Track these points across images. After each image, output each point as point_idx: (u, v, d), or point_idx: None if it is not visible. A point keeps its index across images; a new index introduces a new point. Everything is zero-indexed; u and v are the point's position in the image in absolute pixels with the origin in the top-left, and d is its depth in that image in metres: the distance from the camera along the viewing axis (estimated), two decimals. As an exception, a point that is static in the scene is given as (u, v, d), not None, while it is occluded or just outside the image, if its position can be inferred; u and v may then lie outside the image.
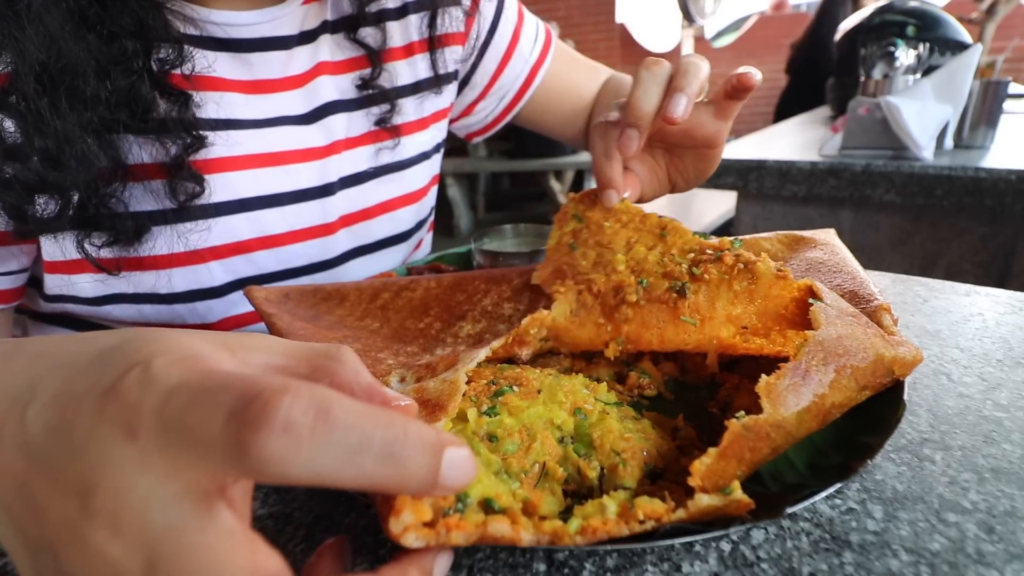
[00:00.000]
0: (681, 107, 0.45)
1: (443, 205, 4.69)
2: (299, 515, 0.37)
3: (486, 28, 0.78)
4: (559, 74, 0.86)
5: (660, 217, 0.48)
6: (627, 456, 0.33)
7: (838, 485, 0.30)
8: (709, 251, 0.42)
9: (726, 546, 0.32)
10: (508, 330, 0.51)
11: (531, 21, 0.84)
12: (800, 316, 0.38)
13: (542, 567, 0.32)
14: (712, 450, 0.29)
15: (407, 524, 0.24)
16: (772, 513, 0.28)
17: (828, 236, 0.52)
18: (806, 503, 0.29)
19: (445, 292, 0.54)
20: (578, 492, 0.33)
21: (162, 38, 0.51)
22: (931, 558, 0.31)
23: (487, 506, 0.28)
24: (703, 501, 0.27)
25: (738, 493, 0.27)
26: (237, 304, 0.64)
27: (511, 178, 5.45)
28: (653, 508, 0.27)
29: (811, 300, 0.38)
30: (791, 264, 0.50)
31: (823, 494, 0.30)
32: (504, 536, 0.25)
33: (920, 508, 0.34)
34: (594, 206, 0.52)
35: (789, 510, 0.29)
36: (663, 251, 0.46)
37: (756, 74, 0.47)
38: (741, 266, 0.40)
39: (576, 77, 0.88)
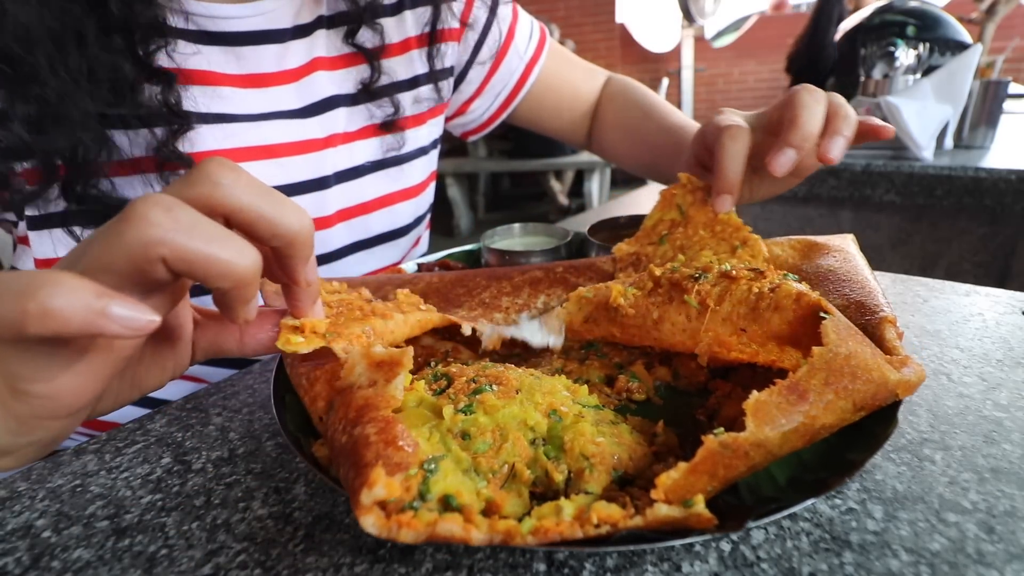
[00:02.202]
0: (840, 151, 0.46)
1: (443, 205, 4.70)
2: (299, 515, 0.37)
3: (481, 25, 0.78)
4: (555, 72, 0.86)
5: (748, 233, 0.48)
6: (595, 461, 0.32)
7: (809, 502, 0.29)
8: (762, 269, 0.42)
9: (726, 546, 0.32)
10: (504, 320, 0.51)
11: (525, 19, 0.84)
12: (802, 332, 0.37)
13: (542, 567, 0.32)
14: (682, 464, 0.28)
15: (377, 497, 0.25)
16: (734, 526, 0.27)
17: (844, 242, 0.51)
18: (769, 519, 0.28)
19: (446, 286, 0.55)
20: (544, 495, 0.33)
21: (146, 15, 0.51)
22: (931, 558, 0.31)
23: (446, 502, 0.28)
24: (661, 511, 0.26)
25: (699, 507, 0.27)
26: None
27: (511, 178, 5.46)
28: (609, 513, 0.27)
29: (822, 314, 0.36)
30: (802, 271, 0.50)
31: (787, 512, 0.29)
32: (454, 535, 0.25)
33: (920, 508, 0.34)
34: (700, 205, 0.52)
35: (751, 525, 0.28)
36: (722, 260, 0.46)
37: (892, 131, 0.48)
38: (776, 280, 0.39)
39: (573, 77, 0.88)
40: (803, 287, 0.39)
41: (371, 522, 0.25)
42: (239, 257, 0.27)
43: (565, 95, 0.88)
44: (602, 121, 0.88)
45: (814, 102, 0.46)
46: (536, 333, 0.47)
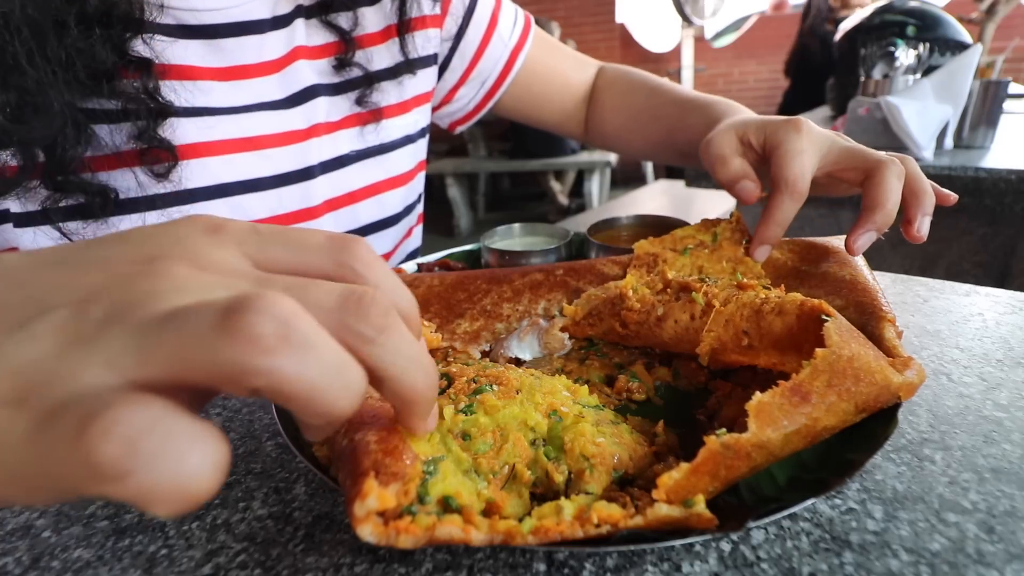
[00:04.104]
0: (926, 231, 0.48)
1: (443, 205, 4.70)
2: (299, 515, 0.37)
3: (463, 10, 0.78)
4: (542, 60, 0.85)
5: (766, 282, 0.48)
6: (596, 462, 0.32)
7: (809, 502, 0.29)
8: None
9: (726, 546, 0.32)
10: (506, 329, 0.51)
11: (509, 6, 0.84)
12: (803, 337, 0.37)
13: (542, 567, 0.32)
14: (684, 465, 0.28)
15: (371, 509, 0.25)
16: (734, 526, 0.27)
17: (843, 244, 0.50)
18: (769, 519, 0.29)
19: (447, 290, 0.55)
20: (545, 496, 0.32)
21: (124, 3, 0.50)
22: (931, 558, 0.31)
23: (446, 504, 0.28)
24: (661, 511, 0.27)
25: (700, 507, 0.27)
26: None
27: (511, 178, 5.46)
28: (609, 513, 0.27)
29: (824, 316, 0.36)
30: (800, 272, 0.50)
31: (787, 512, 0.29)
32: (454, 537, 0.25)
33: (920, 508, 0.34)
34: (735, 242, 0.53)
35: (751, 525, 0.28)
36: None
37: (955, 198, 0.51)
38: (777, 297, 0.39)
39: (561, 65, 0.87)
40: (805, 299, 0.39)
41: (368, 531, 0.24)
42: (343, 399, 0.20)
43: (554, 84, 0.87)
44: (602, 108, 0.87)
45: (898, 183, 0.47)
46: (537, 353, 0.49)
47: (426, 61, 0.75)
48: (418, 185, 0.81)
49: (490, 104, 0.86)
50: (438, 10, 0.75)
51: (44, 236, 0.54)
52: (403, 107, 0.74)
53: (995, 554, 0.31)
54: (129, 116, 0.53)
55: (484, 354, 0.49)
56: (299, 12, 0.65)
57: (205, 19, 0.59)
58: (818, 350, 0.32)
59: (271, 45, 0.63)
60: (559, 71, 0.87)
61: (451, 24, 0.77)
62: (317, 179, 0.67)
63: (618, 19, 5.28)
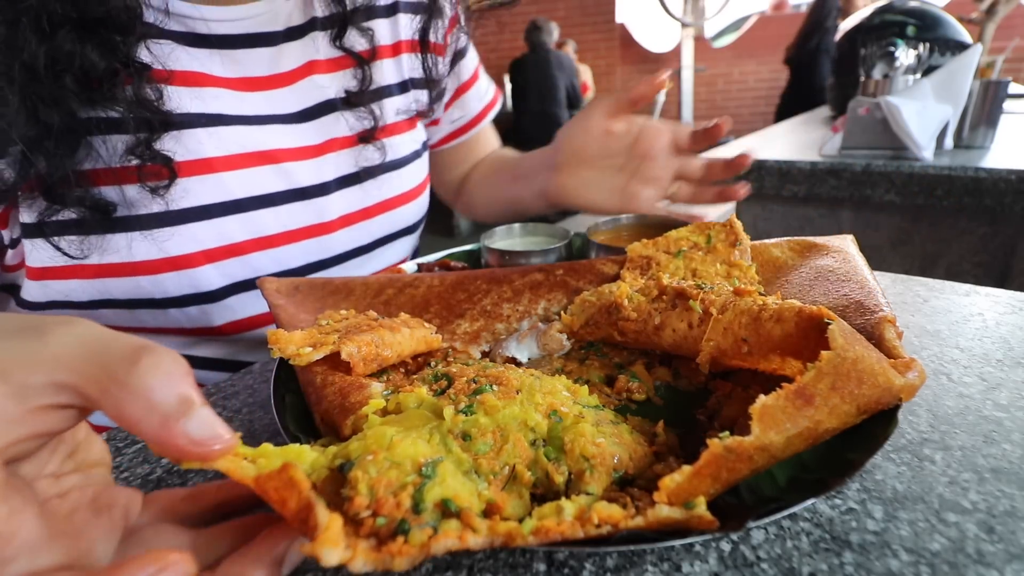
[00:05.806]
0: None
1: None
2: (299, 515, 0.37)
3: (458, 47, 0.81)
4: (487, 132, 0.93)
5: (763, 294, 0.48)
6: (596, 462, 0.32)
7: (809, 502, 0.29)
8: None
9: (726, 546, 0.32)
10: (506, 329, 0.51)
11: (484, 73, 0.90)
12: (803, 344, 0.37)
13: (542, 567, 0.32)
14: (686, 468, 0.28)
15: (338, 555, 0.24)
16: (734, 526, 0.28)
17: (843, 243, 0.51)
18: (769, 519, 0.29)
19: (447, 290, 0.55)
20: (545, 497, 0.32)
21: (115, 5, 0.49)
22: (931, 558, 0.31)
23: (444, 507, 0.27)
24: (662, 512, 0.27)
25: (701, 509, 0.27)
26: (235, 310, 0.63)
27: (511, 178, 5.45)
28: (610, 513, 0.27)
29: (827, 320, 0.36)
30: (800, 271, 0.50)
31: (787, 512, 0.29)
32: (450, 548, 0.25)
33: (920, 508, 0.34)
34: (729, 245, 0.54)
35: (751, 525, 0.28)
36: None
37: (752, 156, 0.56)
38: (775, 304, 0.39)
39: (491, 143, 0.95)
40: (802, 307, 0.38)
41: (360, 564, 0.24)
42: None
43: (479, 155, 0.93)
44: (468, 181, 0.94)
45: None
46: (535, 355, 0.49)
47: (433, 83, 0.77)
48: (426, 197, 0.82)
49: (455, 141, 0.90)
50: (442, 39, 0.77)
51: (41, 250, 0.53)
52: (411, 122, 0.75)
53: (995, 554, 0.31)
54: (126, 126, 0.52)
55: (484, 354, 0.49)
56: (314, 25, 0.65)
57: (216, 29, 0.58)
58: (823, 352, 0.32)
59: (284, 58, 0.63)
60: (488, 148, 0.94)
61: (449, 54, 0.80)
62: (332, 195, 0.67)
63: (618, 19, 5.28)
